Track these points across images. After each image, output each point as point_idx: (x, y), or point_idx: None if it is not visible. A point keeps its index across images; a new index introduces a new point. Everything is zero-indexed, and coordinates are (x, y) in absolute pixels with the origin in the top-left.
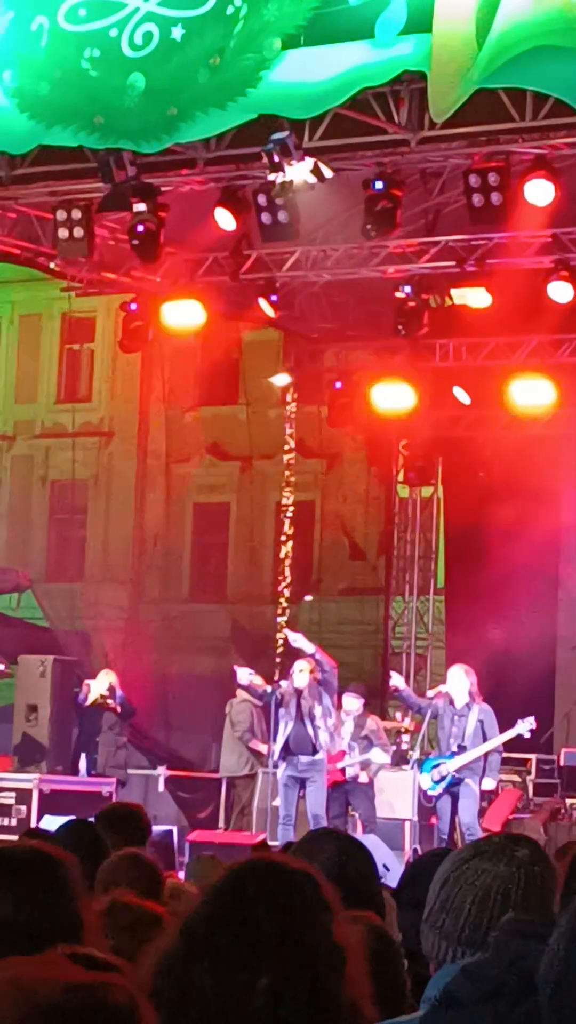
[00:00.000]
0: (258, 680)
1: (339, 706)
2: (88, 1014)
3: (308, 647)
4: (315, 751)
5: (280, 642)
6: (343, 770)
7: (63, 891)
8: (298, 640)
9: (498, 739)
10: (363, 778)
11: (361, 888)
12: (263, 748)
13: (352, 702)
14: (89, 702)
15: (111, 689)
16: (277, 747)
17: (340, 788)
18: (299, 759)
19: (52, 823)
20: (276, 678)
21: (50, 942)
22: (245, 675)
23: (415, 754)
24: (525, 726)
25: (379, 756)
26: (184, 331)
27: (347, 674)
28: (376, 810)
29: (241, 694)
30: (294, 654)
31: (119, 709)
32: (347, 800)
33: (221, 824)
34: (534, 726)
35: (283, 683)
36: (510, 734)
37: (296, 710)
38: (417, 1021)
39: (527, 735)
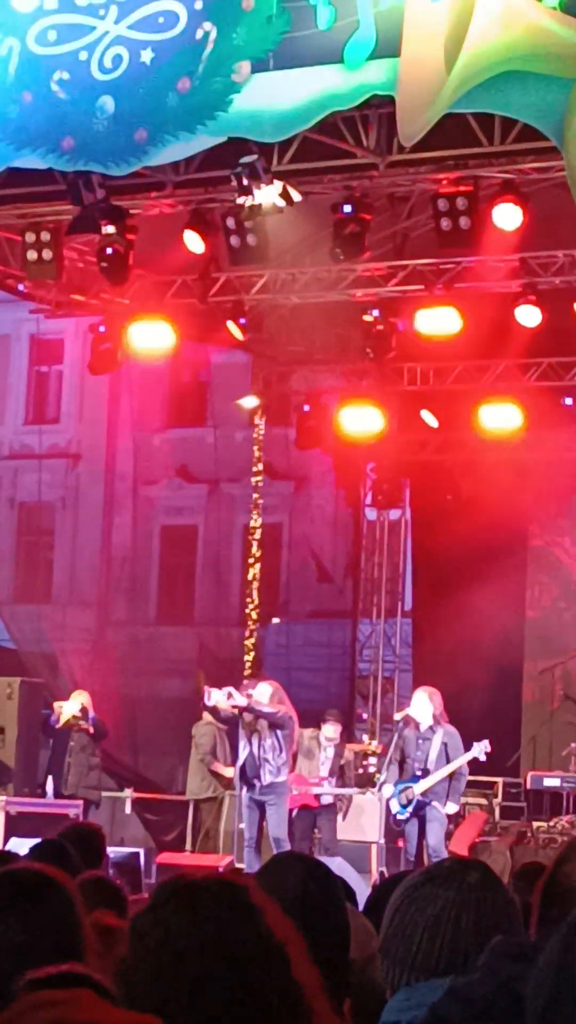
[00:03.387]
0: (240, 699)
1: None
2: None
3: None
4: (267, 776)
5: (247, 665)
6: (318, 796)
7: (69, 913)
8: (236, 697)
9: (456, 762)
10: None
11: (328, 913)
12: (226, 771)
13: (331, 730)
14: (61, 723)
15: (83, 710)
16: (236, 771)
17: (310, 812)
18: (254, 783)
19: (19, 845)
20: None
21: (56, 964)
22: (216, 696)
23: (382, 777)
24: (480, 749)
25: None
26: (153, 353)
27: (314, 696)
28: (338, 833)
29: (206, 716)
30: (260, 676)
31: (92, 730)
32: (314, 823)
33: (188, 846)
34: (489, 749)
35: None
36: (466, 758)
37: (249, 734)
38: None
39: (483, 758)
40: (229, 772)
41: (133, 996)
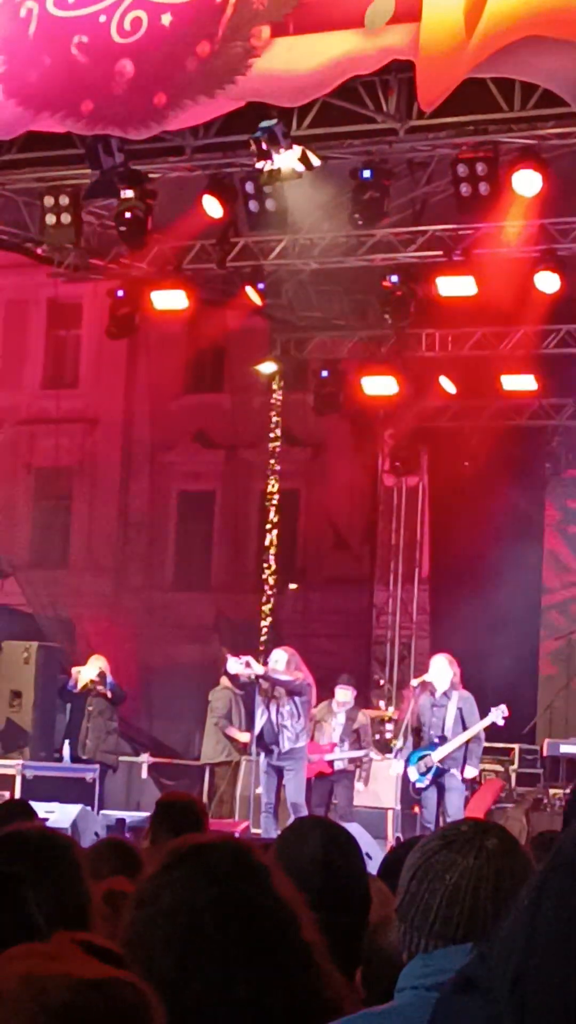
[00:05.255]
0: (258, 667)
1: (318, 700)
2: (98, 1012)
3: (260, 669)
4: (286, 743)
5: (264, 631)
6: (331, 763)
7: (76, 873)
8: (254, 665)
9: (474, 728)
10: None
11: (347, 877)
12: (241, 736)
13: (344, 694)
14: (79, 688)
15: (101, 675)
16: (253, 737)
17: (326, 779)
18: (272, 748)
19: (36, 809)
20: None
21: (63, 924)
22: (235, 664)
23: (399, 743)
24: (498, 714)
25: (374, 753)
26: (171, 313)
27: (331, 662)
28: (354, 799)
29: (223, 681)
30: (276, 643)
31: (110, 695)
32: (331, 790)
33: None
34: (507, 713)
35: None
36: (484, 723)
37: (269, 701)
38: (392, 1010)
39: (501, 723)
40: (243, 737)
41: (149, 956)
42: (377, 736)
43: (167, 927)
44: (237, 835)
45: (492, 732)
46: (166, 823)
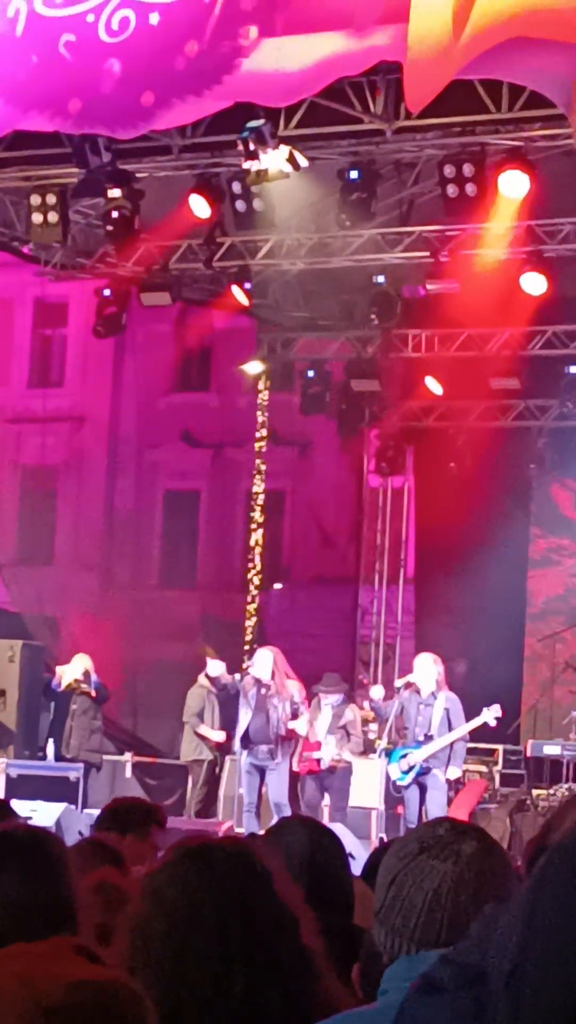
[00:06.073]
0: (227, 678)
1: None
2: (91, 1012)
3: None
4: (273, 740)
5: (249, 630)
6: (318, 760)
7: (61, 870)
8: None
9: (464, 728)
10: (347, 757)
11: (331, 876)
12: (213, 735)
13: (329, 695)
14: (63, 686)
15: (86, 673)
16: (238, 736)
17: (316, 777)
18: (259, 748)
19: (19, 808)
20: (245, 666)
21: (52, 921)
22: (217, 667)
23: (382, 743)
24: (491, 714)
25: (350, 755)
26: (157, 312)
27: (316, 662)
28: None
29: (201, 680)
30: (262, 642)
31: (94, 693)
32: (323, 788)
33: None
34: (500, 714)
35: (250, 670)
36: (476, 722)
37: (256, 700)
38: (375, 1012)
39: (493, 723)
40: (215, 736)
41: (149, 951)
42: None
43: (168, 921)
44: (220, 835)
45: (477, 733)
46: (108, 825)
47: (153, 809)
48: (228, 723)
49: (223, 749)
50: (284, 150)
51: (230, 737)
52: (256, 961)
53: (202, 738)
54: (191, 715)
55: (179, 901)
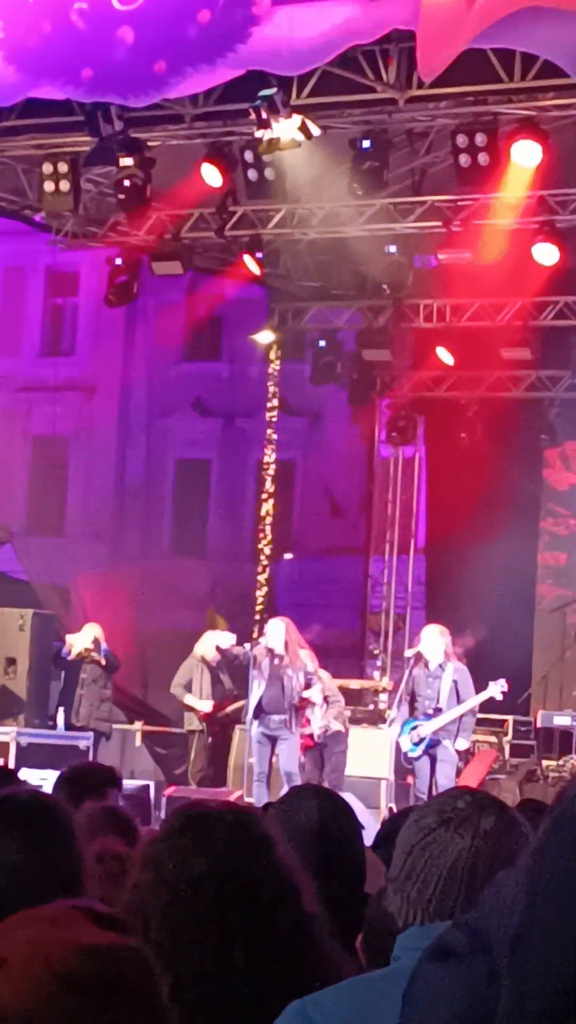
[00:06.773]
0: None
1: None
2: (104, 979)
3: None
4: (287, 711)
5: (260, 600)
6: (311, 735)
7: (66, 837)
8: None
9: (471, 701)
10: (335, 726)
11: (343, 845)
12: (200, 704)
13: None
14: (73, 655)
15: (96, 642)
16: (251, 706)
17: (315, 749)
18: (271, 718)
19: (29, 776)
20: (255, 636)
21: (55, 887)
22: (226, 639)
23: (393, 713)
24: (497, 688)
25: (336, 723)
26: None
27: (326, 632)
28: (347, 768)
29: (197, 650)
30: (272, 612)
31: (104, 662)
32: (322, 760)
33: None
34: (506, 688)
35: (262, 641)
36: (482, 696)
37: (270, 670)
38: (388, 977)
39: (499, 697)
40: (201, 705)
41: (148, 920)
42: (371, 706)
43: (167, 893)
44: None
45: (486, 703)
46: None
47: (108, 772)
48: (239, 694)
49: (211, 721)
50: (296, 119)
51: (218, 707)
52: (256, 932)
53: (188, 708)
54: (176, 685)
55: (178, 874)
